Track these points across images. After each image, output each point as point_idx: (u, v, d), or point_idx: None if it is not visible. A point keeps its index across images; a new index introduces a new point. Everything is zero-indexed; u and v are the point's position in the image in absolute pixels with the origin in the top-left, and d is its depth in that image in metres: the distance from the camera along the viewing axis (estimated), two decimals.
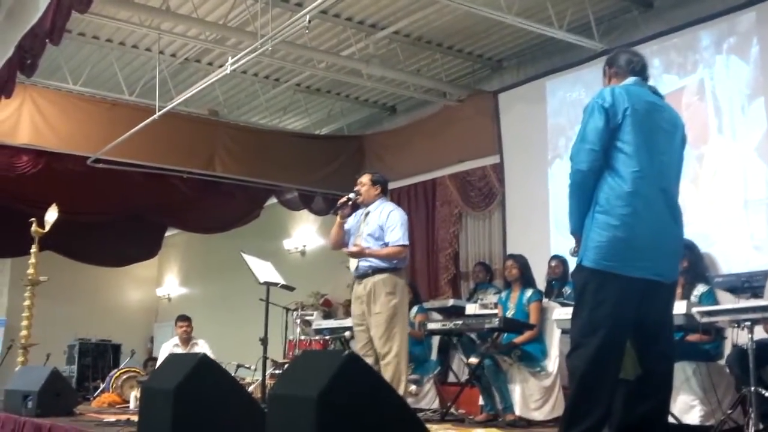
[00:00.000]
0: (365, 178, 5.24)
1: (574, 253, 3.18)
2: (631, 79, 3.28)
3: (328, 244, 5.33)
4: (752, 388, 3.99)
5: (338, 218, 5.18)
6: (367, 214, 5.15)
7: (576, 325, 3.10)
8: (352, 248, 5.02)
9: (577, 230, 3.13)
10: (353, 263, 5.09)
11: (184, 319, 7.98)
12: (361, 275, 5.01)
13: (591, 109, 3.12)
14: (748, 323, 4.10)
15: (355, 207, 5.27)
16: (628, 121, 3.07)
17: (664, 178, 3.14)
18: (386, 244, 4.97)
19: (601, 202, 3.05)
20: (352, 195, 5.17)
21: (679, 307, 3.61)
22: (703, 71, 6.82)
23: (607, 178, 3.06)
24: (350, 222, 5.23)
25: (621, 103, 3.10)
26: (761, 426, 3.97)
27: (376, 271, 4.95)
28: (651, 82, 3.41)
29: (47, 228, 6.93)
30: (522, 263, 6.04)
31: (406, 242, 4.98)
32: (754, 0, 6.55)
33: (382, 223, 5.02)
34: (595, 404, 2.96)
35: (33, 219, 6.96)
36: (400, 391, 4.68)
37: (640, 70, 3.33)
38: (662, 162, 3.14)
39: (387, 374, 4.68)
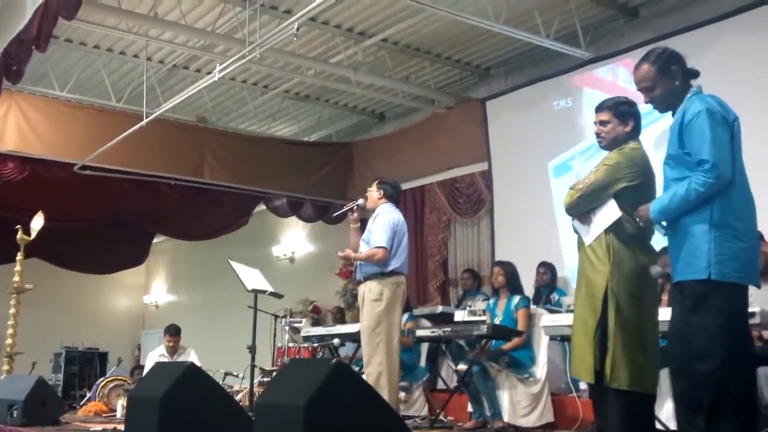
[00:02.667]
0: (373, 184, 5.32)
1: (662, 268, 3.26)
2: (698, 86, 3.21)
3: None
4: None
5: (351, 225, 5.31)
6: (373, 219, 5.23)
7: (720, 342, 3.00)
8: (340, 254, 5.11)
9: (664, 220, 3.14)
10: (355, 270, 5.24)
11: (173, 334, 7.87)
12: (357, 282, 5.12)
13: (710, 115, 3.02)
14: None
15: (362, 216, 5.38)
16: (736, 133, 3.08)
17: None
18: None
19: (721, 216, 3.01)
20: (360, 201, 5.27)
21: (665, 314, 3.62)
22: None
23: (728, 191, 3.02)
24: None
25: (730, 113, 3.09)
26: None
27: (366, 277, 4.99)
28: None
29: (33, 235, 6.88)
30: (509, 270, 6.05)
31: (383, 244, 4.93)
32: (736, 10, 6.63)
33: (370, 226, 5.10)
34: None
35: (19, 226, 6.91)
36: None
37: (696, 73, 3.26)
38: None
39: (369, 383, 4.67)
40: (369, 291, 4.92)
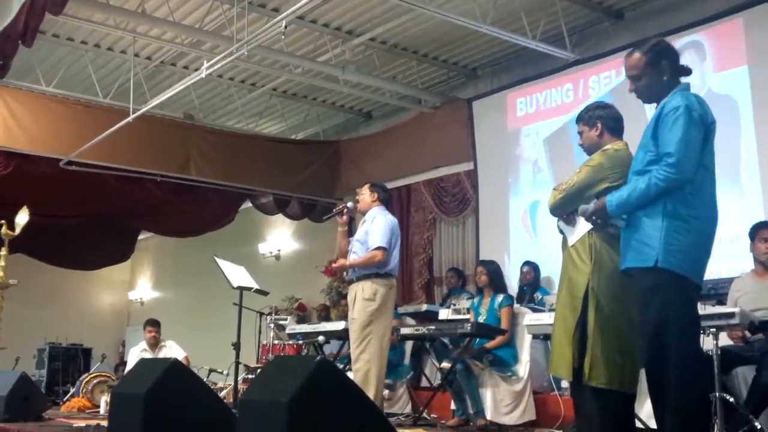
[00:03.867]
0: (365, 188, 5.34)
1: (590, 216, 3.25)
2: (686, 83, 3.20)
3: (339, 254, 5.43)
4: (717, 394, 4.07)
5: (339, 228, 5.32)
6: (364, 222, 5.23)
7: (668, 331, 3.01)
8: (334, 265, 5.18)
9: (622, 214, 3.16)
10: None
11: (153, 324, 7.90)
12: (349, 281, 5.12)
13: (688, 112, 3.01)
14: (713, 329, 4.18)
15: (350, 219, 5.40)
16: (711, 136, 3.07)
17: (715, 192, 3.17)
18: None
19: (675, 208, 3.02)
20: (350, 204, 5.30)
21: None
22: None
23: (686, 187, 3.02)
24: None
25: (708, 116, 3.08)
26: (725, 430, 4.05)
27: (360, 277, 5.00)
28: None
29: (18, 230, 6.85)
30: (491, 269, 6.11)
31: (382, 244, 4.97)
32: (720, 14, 6.73)
33: (368, 228, 5.09)
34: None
35: (3, 221, 6.88)
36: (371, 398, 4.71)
37: (688, 70, 3.24)
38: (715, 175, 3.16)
39: (356, 380, 4.70)
40: (362, 290, 4.94)
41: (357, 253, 5.08)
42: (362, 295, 4.92)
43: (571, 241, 3.54)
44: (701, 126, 3.04)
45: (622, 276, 3.30)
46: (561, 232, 3.64)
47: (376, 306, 4.90)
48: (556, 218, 3.66)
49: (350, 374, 4.83)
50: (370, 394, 4.72)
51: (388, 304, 5.00)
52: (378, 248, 4.96)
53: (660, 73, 3.20)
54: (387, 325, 5.02)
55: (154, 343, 7.83)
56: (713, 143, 3.12)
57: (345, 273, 5.19)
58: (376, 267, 4.98)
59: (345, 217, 5.32)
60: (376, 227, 5.05)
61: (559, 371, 3.55)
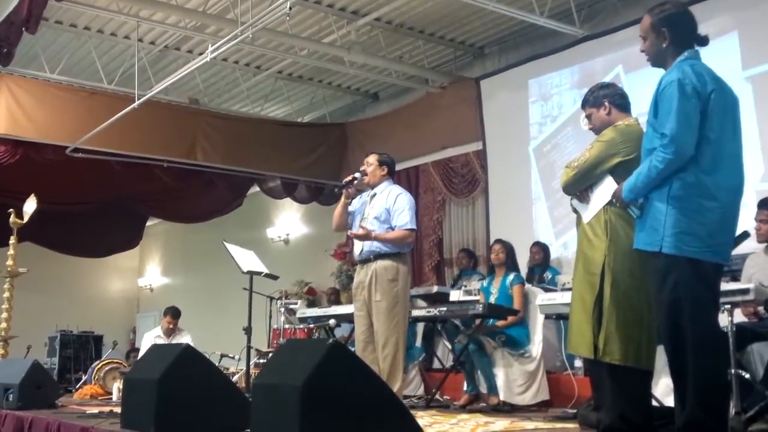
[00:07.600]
0: (372, 158, 5.00)
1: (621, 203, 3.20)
2: (694, 52, 3.10)
3: (332, 226, 5.15)
4: (732, 371, 4.03)
5: (342, 198, 4.96)
6: (373, 196, 4.93)
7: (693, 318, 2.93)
8: (357, 230, 4.76)
9: (636, 199, 3.11)
10: (357, 248, 4.87)
11: (173, 315, 7.91)
12: (364, 260, 4.79)
13: (680, 87, 2.93)
14: (728, 306, 4.13)
15: (358, 190, 5.05)
16: (712, 106, 2.96)
17: (739, 162, 3.05)
18: (392, 228, 4.74)
19: (678, 190, 2.95)
20: (357, 174, 4.94)
21: None
22: None
23: (689, 166, 2.95)
24: (355, 204, 5.00)
25: (707, 86, 2.97)
26: (741, 407, 4.01)
27: (379, 256, 4.71)
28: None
29: (26, 219, 6.86)
30: (509, 248, 6.11)
31: (414, 226, 4.78)
32: None
33: (389, 206, 4.81)
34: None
35: (11, 210, 6.88)
36: (398, 379, 4.58)
37: (703, 40, 3.14)
38: (736, 145, 3.05)
39: (386, 363, 4.56)
40: (385, 270, 4.67)
41: (375, 230, 4.75)
42: (386, 276, 4.67)
43: (585, 219, 3.50)
44: (696, 99, 2.94)
45: (637, 252, 3.22)
46: (575, 210, 3.59)
47: (400, 286, 4.68)
48: (570, 197, 3.61)
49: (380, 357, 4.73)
50: (399, 375, 4.61)
51: (408, 283, 4.82)
52: (410, 230, 4.75)
53: (660, 40, 3.13)
54: (408, 305, 4.86)
55: (170, 331, 7.86)
56: (720, 113, 2.99)
57: (358, 252, 4.85)
58: (399, 247, 4.76)
59: (352, 189, 4.98)
60: (401, 206, 4.79)
61: (578, 349, 3.51)
